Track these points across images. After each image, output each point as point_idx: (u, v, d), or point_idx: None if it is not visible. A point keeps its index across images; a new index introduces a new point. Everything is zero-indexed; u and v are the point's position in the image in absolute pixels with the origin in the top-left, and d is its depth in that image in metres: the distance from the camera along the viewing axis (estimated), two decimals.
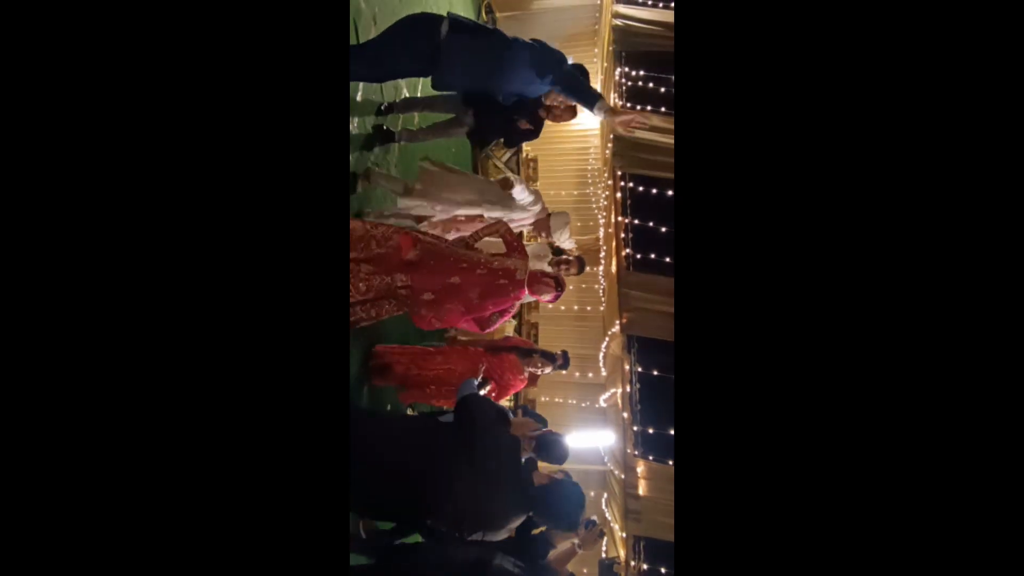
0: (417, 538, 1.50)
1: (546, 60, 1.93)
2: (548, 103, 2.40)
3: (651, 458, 3.50)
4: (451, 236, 2.33)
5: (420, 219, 2.56)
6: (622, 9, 4.73)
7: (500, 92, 2.10)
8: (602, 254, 5.51)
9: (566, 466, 2.12)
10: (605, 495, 4.87)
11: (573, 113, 2.42)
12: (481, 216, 2.54)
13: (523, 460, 1.49)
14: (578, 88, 1.97)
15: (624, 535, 3.71)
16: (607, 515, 4.59)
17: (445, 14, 1.93)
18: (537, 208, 2.67)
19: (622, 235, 3.87)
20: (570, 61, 2.03)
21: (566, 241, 2.83)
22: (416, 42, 1.90)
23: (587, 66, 2.16)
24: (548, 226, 2.70)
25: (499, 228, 2.16)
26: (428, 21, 1.93)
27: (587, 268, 3.03)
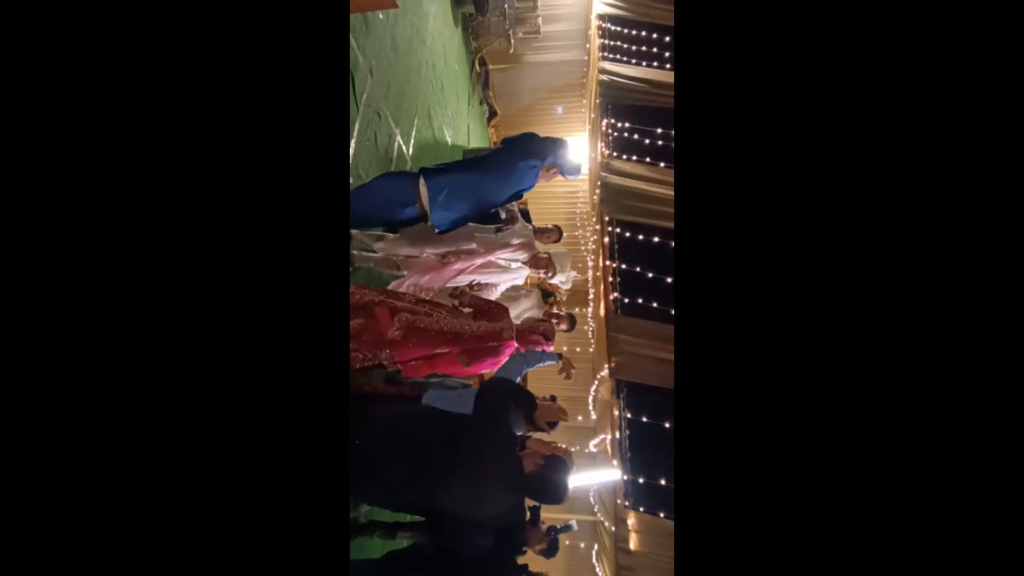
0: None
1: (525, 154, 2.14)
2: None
3: (642, 509, 3.38)
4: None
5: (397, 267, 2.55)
6: (608, 66, 5.00)
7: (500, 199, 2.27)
8: (591, 296, 5.54)
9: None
10: (596, 547, 4.67)
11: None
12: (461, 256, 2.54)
13: (517, 437, 1.58)
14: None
15: None
16: (597, 570, 4.39)
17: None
18: (520, 241, 2.68)
19: (610, 279, 3.91)
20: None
21: (566, 282, 2.84)
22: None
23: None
24: (551, 264, 2.75)
25: (463, 301, 2.11)
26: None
27: (577, 310, 3.06)
